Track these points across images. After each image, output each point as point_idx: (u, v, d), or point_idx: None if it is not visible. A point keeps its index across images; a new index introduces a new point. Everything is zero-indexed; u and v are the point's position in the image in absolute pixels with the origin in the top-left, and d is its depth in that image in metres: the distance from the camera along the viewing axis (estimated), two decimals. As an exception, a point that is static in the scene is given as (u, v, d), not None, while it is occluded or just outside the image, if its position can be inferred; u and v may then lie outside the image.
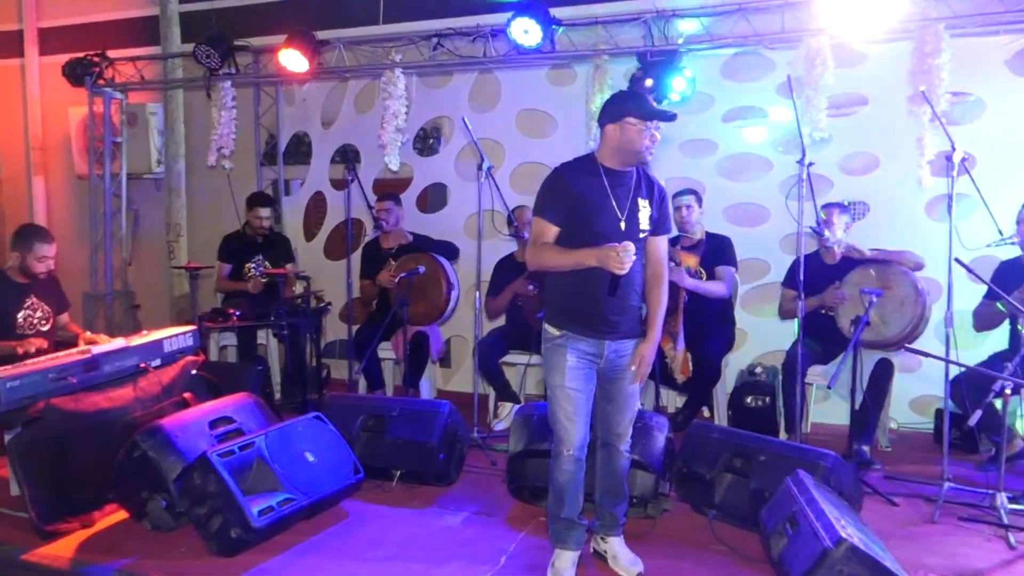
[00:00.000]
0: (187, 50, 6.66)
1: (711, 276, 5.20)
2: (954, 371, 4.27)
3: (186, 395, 4.34)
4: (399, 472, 4.33)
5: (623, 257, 2.93)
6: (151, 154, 7.45)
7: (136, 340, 4.28)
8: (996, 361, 4.35)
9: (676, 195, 5.29)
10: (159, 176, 7.62)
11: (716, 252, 5.25)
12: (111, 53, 7.02)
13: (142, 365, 4.20)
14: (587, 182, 3.14)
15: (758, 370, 5.16)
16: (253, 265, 6.01)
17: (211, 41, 6.28)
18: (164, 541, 3.62)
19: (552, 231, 3.15)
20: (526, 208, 5.22)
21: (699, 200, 5.28)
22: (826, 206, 4.89)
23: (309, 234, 7.14)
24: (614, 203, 3.14)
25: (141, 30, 7.63)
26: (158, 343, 4.34)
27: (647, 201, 3.20)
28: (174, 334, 4.48)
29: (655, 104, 3.17)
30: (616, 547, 3.42)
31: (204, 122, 6.91)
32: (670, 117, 3.12)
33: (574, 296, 3.18)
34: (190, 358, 4.49)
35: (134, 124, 7.40)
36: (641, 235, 3.18)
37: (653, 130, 3.09)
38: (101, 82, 6.99)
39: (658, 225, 3.24)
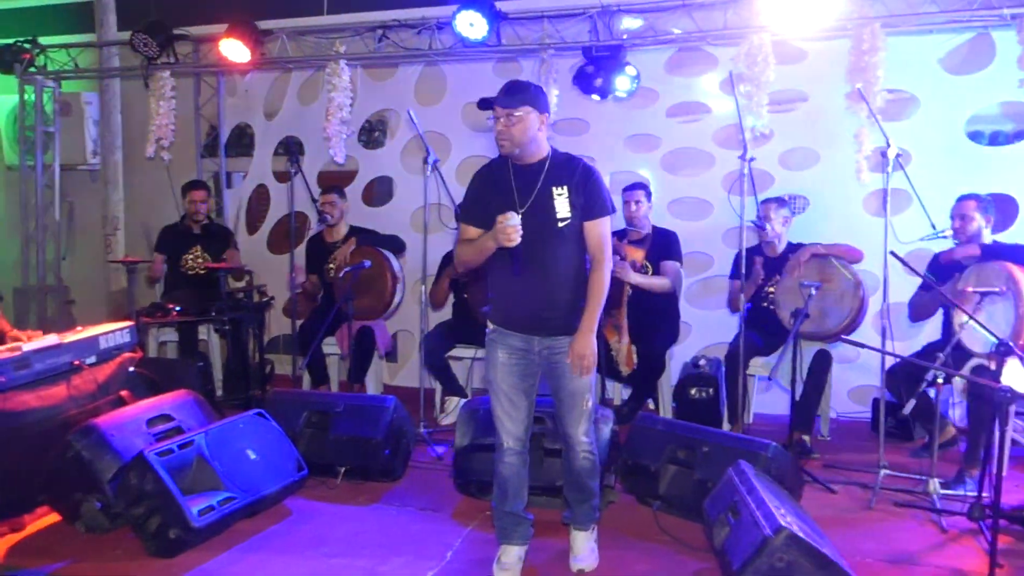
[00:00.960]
0: (124, 38, 6.48)
1: (657, 271, 5.24)
2: (890, 362, 4.38)
3: (123, 393, 4.23)
4: (344, 469, 4.28)
5: (507, 227, 2.94)
6: (86, 145, 7.25)
7: (70, 336, 4.15)
8: (930, 351, 4.48)
9: (627, 189, 5.34)
10: (95, 167, 7.42)
11: (662, 247, 5.29)
12: (43, 40, 6.80)
13: (76, 363, 4.06)
14: (496, 180, 3.17)
15: (702, 362, 5.22)
16: (191, 258, 5.93)
17: (149, 29, 6.13)
18: (99, 543, 3.53)
19: (471, 231, 3.19)
20: None
21: (648, 196, 5.32)
22: (764, 201, 4.97)
23: (252, 227, 7.02)
24: (516, 197, 3.10)
25: (75, 16, 7.41)
26: (93, 339, 4.22)
27: (564, 188, 3.11)
28: (110, 330, 4.35)
29: (495, 95, 3.09)
30: (574, 540, 3.40)
31: (142, 112, 6.73)
32: (483, 105, 3.09)
33: (500, 291, 3.20)
34: (127, 355, 4.38)
35: (68, 114, 7.18)
36: (560, 224, 3.09)
37: (501, 118, 3.05)
38: (32, 69, 6.77)
39: (586, 209, 3.11)
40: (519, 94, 3.06)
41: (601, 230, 3.14)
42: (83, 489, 3.53)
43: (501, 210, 3.04)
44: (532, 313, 3.14)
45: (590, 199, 3.13)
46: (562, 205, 3.10)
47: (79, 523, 3.59)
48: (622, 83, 5.44)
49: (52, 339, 4.07)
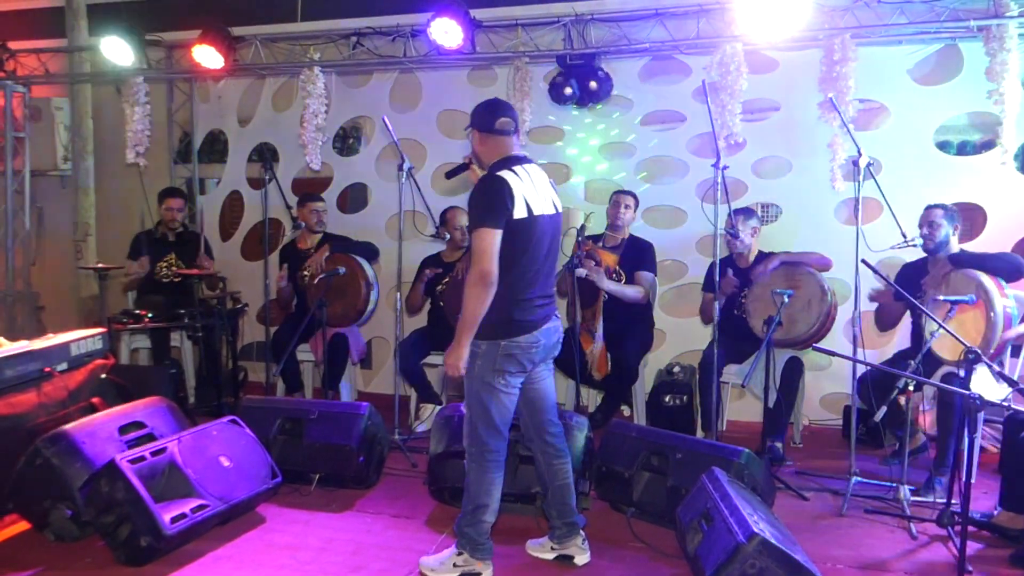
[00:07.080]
0: (95, 43, 6.42)
1: (630, 278, 5.26)
2: (861, 369, 4.43)
3: (94, 400, 4.19)
4: (317, 475, 4.26)
5: None
6: (57, 150, 7.17)
7: (40, 343, 4.11)
8: (900, 359, 4.54)
9: (618, 192, 5.37)
10: (66, 173, 7.33)
11: (636, 256, 5.31)
12: (12, 44, 6.72)
13: (46, 369, 4.02)
14: None
15: (676, 369, 5.25)
16: (165, 265, 5.88)
17: (120, 35, 6.08)
18: (69, 552, 3.49)
19: None
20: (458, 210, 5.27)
21: (636, 205, 5.37)
22: (732, 213, 4.97)
23: (225, 234, 6.97)
24: None
25: (45, 21, 7.31)
26: (64, 346, 4.18)
27: None
28: (81, 337, 4.32)
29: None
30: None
31: (114, 118, 6.68)
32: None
33: None
34: (99, 361, 4.34)
35: (38, 119, 7.10)
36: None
37: None
38: (1, 74, 6.69)
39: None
40: None
41: (474, 242, 3.08)
42: (52, 497, 3.49)
43: None
44: None
45: (469, 211, 3.20)
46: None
47: (48, 531, 3.54)
48: (596, 92, 5.46)
49: (22, 345, 4.02)
